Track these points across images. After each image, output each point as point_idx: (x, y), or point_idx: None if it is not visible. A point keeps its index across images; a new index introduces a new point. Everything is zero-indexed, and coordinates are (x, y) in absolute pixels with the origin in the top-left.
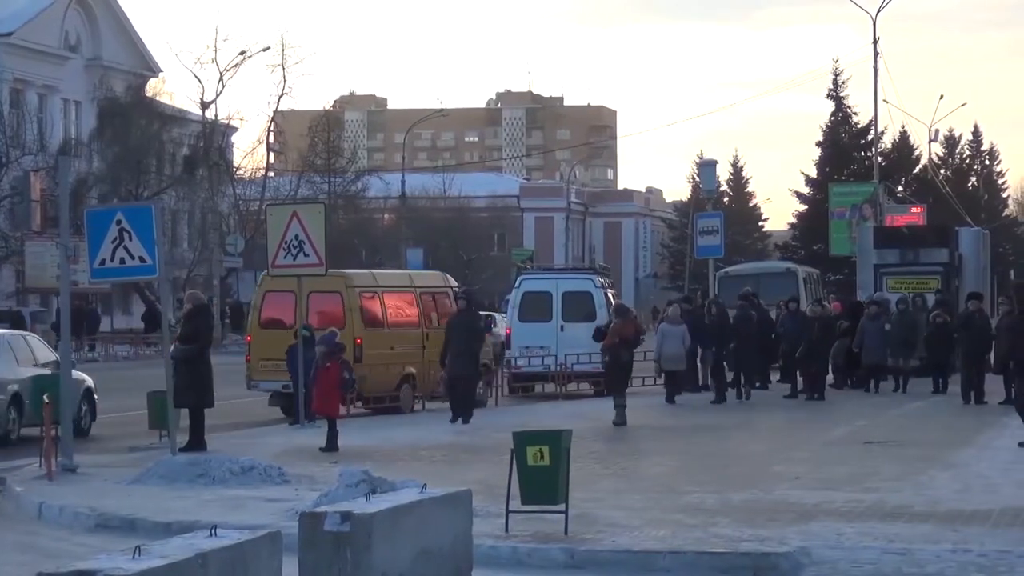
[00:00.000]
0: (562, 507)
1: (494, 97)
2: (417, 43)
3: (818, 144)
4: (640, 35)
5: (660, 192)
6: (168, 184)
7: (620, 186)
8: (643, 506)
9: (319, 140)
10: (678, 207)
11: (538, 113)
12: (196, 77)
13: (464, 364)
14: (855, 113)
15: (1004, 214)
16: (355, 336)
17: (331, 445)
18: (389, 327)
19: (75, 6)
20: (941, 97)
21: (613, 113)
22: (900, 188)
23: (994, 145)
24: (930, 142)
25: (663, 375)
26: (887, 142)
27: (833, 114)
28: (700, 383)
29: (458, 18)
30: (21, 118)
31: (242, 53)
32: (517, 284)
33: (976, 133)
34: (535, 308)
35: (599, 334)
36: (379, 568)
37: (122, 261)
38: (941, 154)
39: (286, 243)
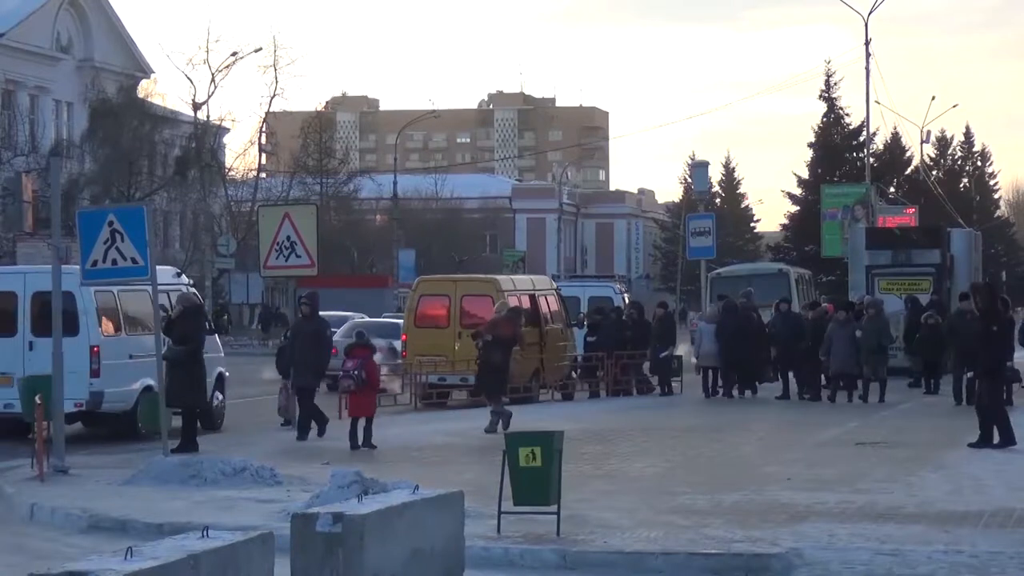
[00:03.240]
0: (554, 508)
1: (486, 98)
2: (409, 44)
3: (810, 145)
4: (632, 36)
5: (652, 193)
6: (160, 185)
7: (612, 187)
8: (635, 507)
9: (311, 141)
10: (670, 208)
11: (530, 114)
12: (188, 78)
13: (306, 376)
14: (847, 114)
15: (996, 215)
16: None
17: (368, 441)
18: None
19: (67, 7)
20: (933, 98)
21: (605, 114)
22: (892, 189)
23: (986, 146)
24: (922, 143)
25: (700, 371)
26: (879, 143)
27: (825, 115)
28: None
29: (450, 19)
30: (12, 119)
31: (234, 54)
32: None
33: (968, 134)
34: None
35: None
36: (371, 569)
37: (114, 262)
38: (933, 155)
39: (278, 244)
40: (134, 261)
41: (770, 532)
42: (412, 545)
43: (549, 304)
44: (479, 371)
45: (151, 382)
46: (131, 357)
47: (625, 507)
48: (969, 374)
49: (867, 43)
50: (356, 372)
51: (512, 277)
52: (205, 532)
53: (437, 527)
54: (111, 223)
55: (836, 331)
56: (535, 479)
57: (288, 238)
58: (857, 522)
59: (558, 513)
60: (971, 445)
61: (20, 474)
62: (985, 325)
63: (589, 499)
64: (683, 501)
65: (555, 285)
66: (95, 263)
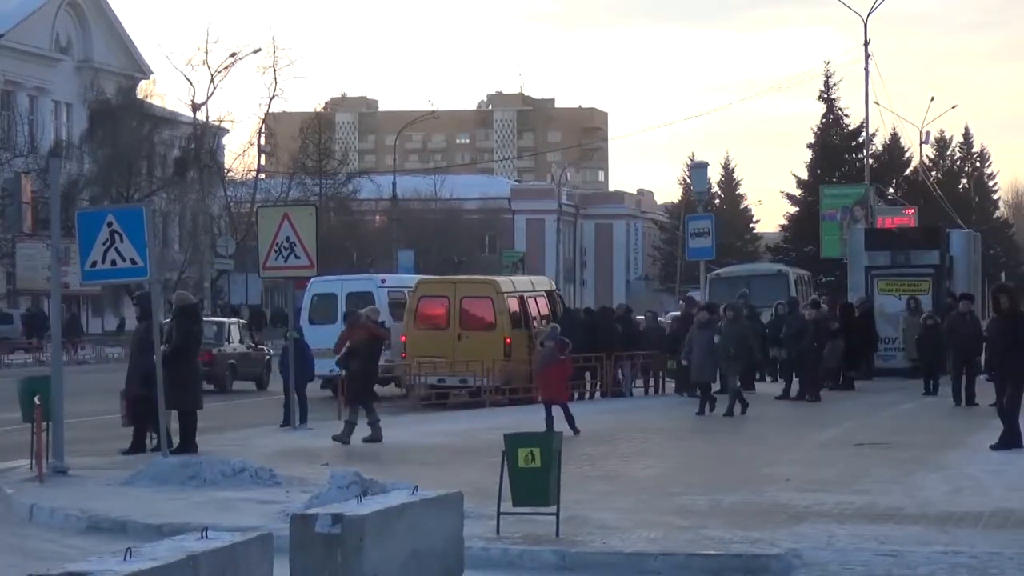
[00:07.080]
0: (553, 509)
1: (485, 99)
2: (408, 45)
3: (809, 146)
4: (631, 37)
5: (651, 194)
6: (159, 186)
7: (611, 188)
8: (634, 508)
9: (310, 142)
10: (669, 209)
11: (529, 115)
12: (187, 79)
13: (135, 383)
14: (846, 115)
15: (995, 216)
16: (505, 336)
17: (573, 426)
18: (525, 328)
19: (66, 8)
20: (932, 99)
21: (604, 115)
22: (891, 190)
23: (985, 147)
24: (921, 144)
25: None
26: (878, 144)
27: (824, 116)
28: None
29: (449, 20)
30: (12, 120)
31: (233, 55)
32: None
33: (967, 135)
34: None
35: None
36: (370, 570)
37: (113, 263)
38: (932, 156)
39: (277, 245)
40: (133, 262)
41: (769, 533)
42: (411, 546)
43: (539, 307)
44: (352, 379)
45: None
46: None
47: (624, 508)
48: (983, 377)
49: (866, 44)
50: None
51: (511, 278)
52: (204, 533)
53: (436, 528)
54: (110, 224)
55: (695, 335)
56: (534, 480)
57: (287, 239)
58: (856, 523)
59: (557, 514)
60: (993, 447)
61: (19, 475)
62: (1009, 327)
63: (588, 500)
64: (682, 502)
65: (553, 286)
66: (94, 264)
